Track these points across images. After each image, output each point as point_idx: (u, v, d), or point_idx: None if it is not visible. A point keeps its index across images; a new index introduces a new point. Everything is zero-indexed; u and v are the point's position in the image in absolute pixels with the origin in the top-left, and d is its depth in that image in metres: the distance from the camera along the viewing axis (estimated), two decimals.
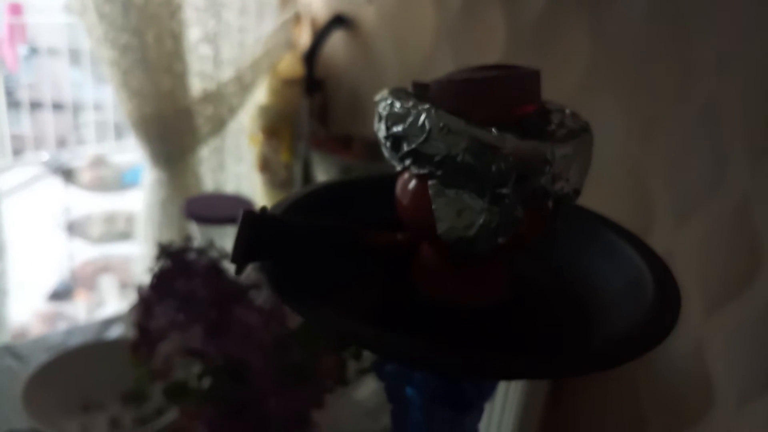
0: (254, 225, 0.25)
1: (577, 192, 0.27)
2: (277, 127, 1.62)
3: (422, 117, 0.26)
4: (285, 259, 0.27)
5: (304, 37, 1.64)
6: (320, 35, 1.51)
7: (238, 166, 1.72)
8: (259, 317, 0.56)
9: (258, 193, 1.72)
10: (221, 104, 1.54)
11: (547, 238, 0.28)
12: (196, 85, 1.52)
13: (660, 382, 1.05)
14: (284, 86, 1.62)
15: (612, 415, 1.13)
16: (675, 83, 0.93)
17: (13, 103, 2.44)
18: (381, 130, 0.28)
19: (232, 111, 1.57)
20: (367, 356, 0.72)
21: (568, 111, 0.28)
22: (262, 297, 0.57)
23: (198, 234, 0.95)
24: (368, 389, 0.95)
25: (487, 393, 0.31)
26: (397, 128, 0.27)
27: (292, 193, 0.33)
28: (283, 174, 1.67)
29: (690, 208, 0.94)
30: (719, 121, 0.89)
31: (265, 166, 1.67)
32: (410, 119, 0.26)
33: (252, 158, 1.71)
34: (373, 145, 1.43)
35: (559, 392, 1.17)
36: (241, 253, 0.25)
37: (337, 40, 1.53)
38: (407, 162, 0.27)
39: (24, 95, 2.46)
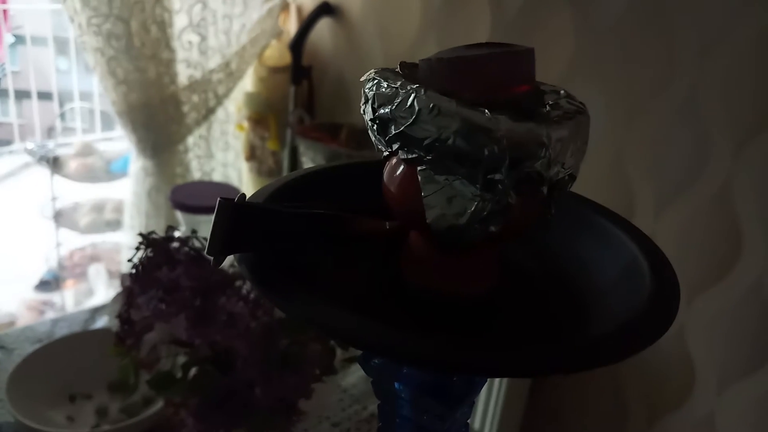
0: (232, 213, 0.24)
1: (572, 177, 0.26)
2: (263, 115, 1.60)
3: (411, 98, 0.24)
4: (265, 248, 0.26)
5: (290, 25, 1.63)
6: (307, 23, 1.49)
7: (224, 155, 1.70)
8: (244, 306, 0.55)
9: (245, 182, 1.70)
10: (207, 92, 1.52)
11: (540, 226, 0.27)
12: (182, 73, 1.50)
13: (642, 367, 1.05)
14: (271, 74, 1.60)
15: (595, 399, 1.14)
16: (657, 72, 0.93)
17: None
18: (367, 112, 0.26)
19: (219, 99, 1.55)
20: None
21: (562, 92, 0.27)
22: (248, 285, 0.56)
23: (184, 223, 0.93)
24: (355, 376, 0.94)
25: (478, 387, 0.30)
26: (384, 110, 0.25)
27: (275, 180, 0.32)
28: (269, 162, 1.65)
29: (671, 195, 0.95)
30: (701, 110, 0.89)
31: (252, 154, 1.65)
32: (398, 100, 0.25)
33: (239, 146, 1.70)
34: (361, 133, 1.43)
35: (543, 377, 1.17)
36: (219, 244, 0.24)
37: (323, 27, 1.51)
38: (395, 146, 0.26)
39: (9, 84, 2.42)
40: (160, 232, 0.54)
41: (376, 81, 0.26)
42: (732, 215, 0.89)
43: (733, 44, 0.85)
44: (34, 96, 2.43)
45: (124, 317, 0.52)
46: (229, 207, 0.24)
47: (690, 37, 0.89)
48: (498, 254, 0.30)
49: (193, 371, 0.60)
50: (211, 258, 0.24)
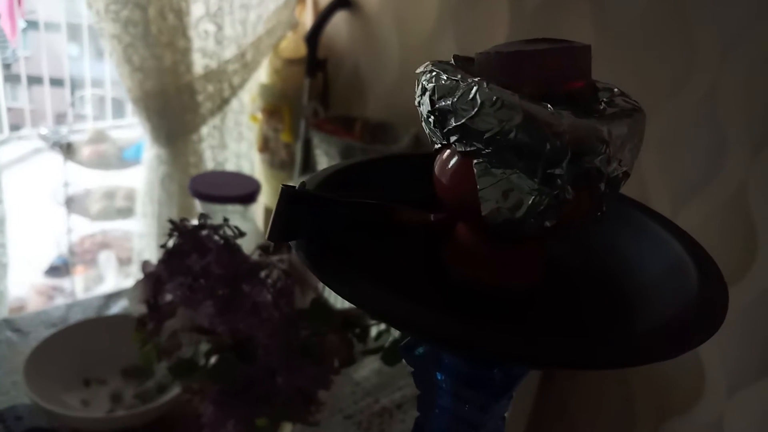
0: (294, 200, 0.24)
1: (627, 174, 0.26)
2: (277, 106, 1.60)
3: (473, 90, 0.24)
4: (320, 235, 0.26)
5: (306, 17, 1.63)
6: (323, 15, 1.49)
7: (238, 145, 1.70)
8: (268, 295, 0.56)
9: (257, 173, 1.71)
10: (223, 82, 1.53)
11: (590, 223, 0.27)
12: (198, 62, 1.50)
13: (651, 369, 1.05)
14: (286, 66, 1.61)
15: (603, 398, 1.14)
16: (675, 72, 0.93)
17: (10, 77, 2.41)
18: (424, 104, 0.26)
19: (234, 89, 1.56)
20: (371, 337, 0.72)
21: (616, 89, 0.27)
22: (272, 275, 0.56)
23: (202, 212, 0.94)
24: (367, 369, 0.95)
25: (518, 379, 0.30)
26: (445, 102, 0.25)
27: (324, 169, 0.32)
28: (282, 154, 1.66)
29: (686, 197, 0.95)
30: (718, 111, 0.89)
31: (265, 145, 1.66)
32: (459, 92, 0.25)
33: (252, 137, 1.70)
34: (375, 127, 1.43)
35: (552, 375, 1.18)
36: (279, 230, 0.24)
37: (339, 20, 1.51)
38: (452, 138, 0.26)
39: (21, 69, 2.42)
40: (187, 220, 0.54)
41: (434, 73, 0.26)
42: (747, 218, 0.89)
43: (753, 46, 0.85)
44: (46, 81, 2.43)
45: (151, 303, 0.52)
46: (291, 194, 0.24)
47: (710, 38, 0.88)
48: (543, 249, 0.30)
49: (213, 359, 0.60)
50: (271, 243, 0.24)
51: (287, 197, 0.24)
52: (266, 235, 0.25)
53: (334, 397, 0.88)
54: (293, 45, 1.59)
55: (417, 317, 0.23)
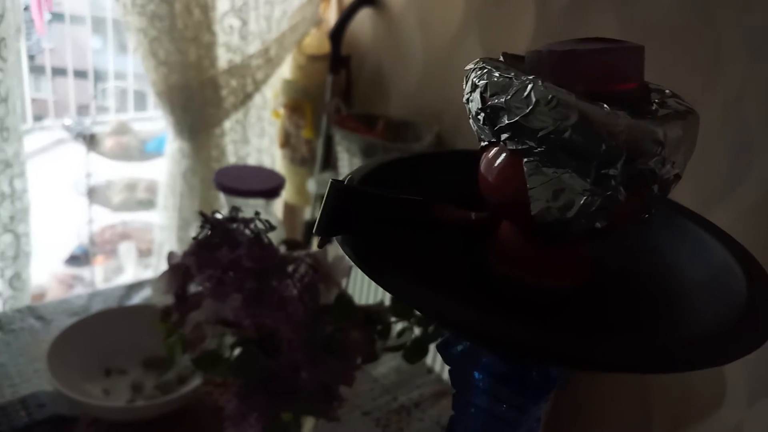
0: (343, 196, 0.24)
1: (678, 177, 0.26)
2: (300, 102, 1.60)
3: (528, 88, 0.24)
4: (366, 229, 0.26)
5: (330, 14, 1.63)
6: (347, 12, 1.49)
7: (260, 141, 1.71)
8: (295, 290, 0.56)
9: (278, 168, 1.71)
10: (246, 77, 1.53)
11: (638, 224, 0.26)
12: (222, 57, 1.51)
13: (669, 376, 1.04)
14: (309, 62, 1.61)
15: (618, 404, 1.13)
16: (702, 75, 0.92)
17: (34, 68, 2.44)
18: (475, 101, 0.26)
19: (257, 85, 1.56)
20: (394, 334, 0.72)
21: (668, 91, 0.27)
22: (299, 270, 0.56)
23: (225, 205, 0.94)
24: (386, 367, 0.95)
25: (556, 381, 0.30)
26: (498, 99, 0.25)
27: (366, 164, 0.32)
28: (303, 150, 1.66)
29: (711, 202, 0.94)
30: (745, 113, 0.88)
31: (286, 141, 1.66)
32: (513, 90, 0.24)
33: (274, 133, 1.71)
34: (397, 125, 1.42)
35: (567, 379, 1.17)
36: (328, 225, 0.24)
37: (364, 17, 1.51)
38: (504, 136, 0.25)
39: (45, 60, 2.45)
40: (194, 214, 0.54)
41: (486, 70, 0.26)
42: None
43: None
44: (70, 73, 2.45)
45: (178, 293, 0.53)
46: (341, 189, 0.24)
47: (737, 39, 0.87)
48: (589, 249, 0.30)
49: (236, 352, 0.60)
50: (318, 237, 0.24)
51: (337, 192, 0.24)
52: (314, 230, 0.25)
53: (353, 394, 0.88)
54: (317, 41, 1.59)
55: (466, 317, 0.23)
